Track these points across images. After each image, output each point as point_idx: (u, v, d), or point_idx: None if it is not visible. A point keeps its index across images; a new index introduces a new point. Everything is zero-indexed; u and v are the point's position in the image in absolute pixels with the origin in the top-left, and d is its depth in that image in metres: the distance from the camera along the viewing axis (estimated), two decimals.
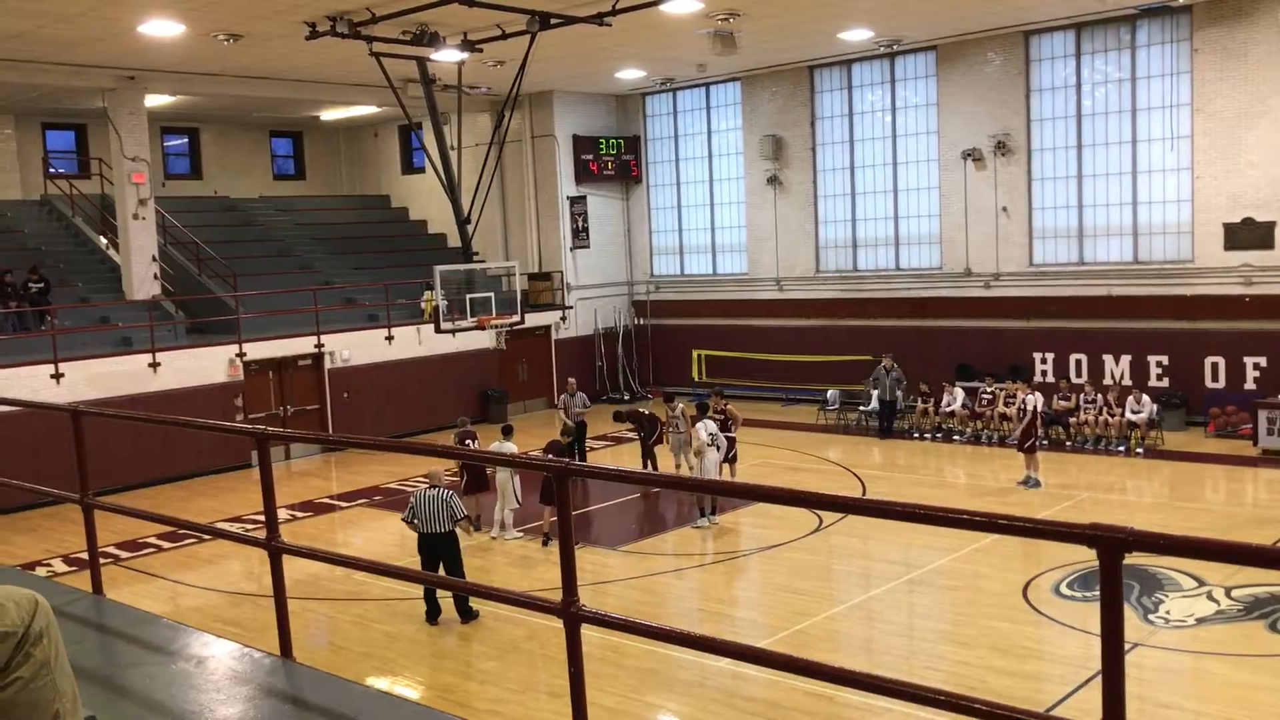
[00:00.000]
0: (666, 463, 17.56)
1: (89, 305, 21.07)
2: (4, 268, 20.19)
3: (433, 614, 11.82)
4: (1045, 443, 18.24)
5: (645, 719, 9.58)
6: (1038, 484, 16.41)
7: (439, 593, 11.97)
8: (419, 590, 12.10)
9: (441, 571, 11.67)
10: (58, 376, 18.30)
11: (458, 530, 11.93)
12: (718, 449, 15.50)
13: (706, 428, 15.53)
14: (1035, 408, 16.72)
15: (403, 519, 12.20)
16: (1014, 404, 18.29)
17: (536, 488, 14.64)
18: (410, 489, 17.54)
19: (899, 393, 21.12)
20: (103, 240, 23.73)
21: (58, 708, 3.08)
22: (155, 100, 22.71)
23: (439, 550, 11.80)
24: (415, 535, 12.02)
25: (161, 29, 16.89)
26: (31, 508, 17.06)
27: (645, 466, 17.57)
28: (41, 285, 20.26)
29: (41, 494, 7.92)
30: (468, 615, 11.82)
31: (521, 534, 15.02)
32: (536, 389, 26.23)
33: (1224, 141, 19.41)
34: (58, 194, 24.72)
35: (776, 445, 20.46)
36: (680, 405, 17.67)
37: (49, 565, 14.60)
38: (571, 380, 21.35)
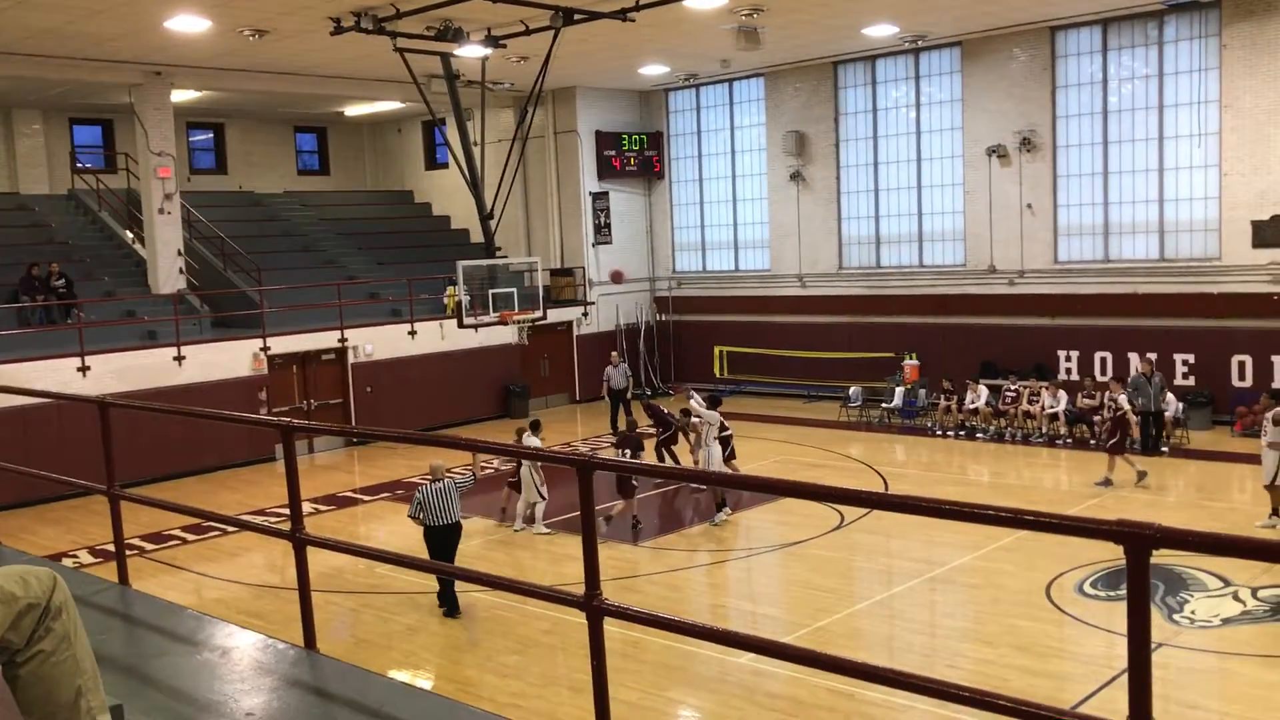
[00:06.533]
0: (685, 460, 17.55)
1: (115, 299, 21.22)
2: (31, 261, 20.37)
3: (452, 609, 11.86)
4: (1135, 442, 17.45)
5: (667, 714, 9.59)
6: (1109, 483, 16.18)
7: (457, 585, 12.03)
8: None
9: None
10: (84, 369, 18.47)
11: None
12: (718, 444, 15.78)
13: (711, 418, 15.82)
14: (1126, 408, 16.61)
15: (409, 515, 12.31)
16: (1096, 398, 18.55)
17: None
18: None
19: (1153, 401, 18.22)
20: (129, 234, 23.88)
21: (79, 684, 3.09)
22: (181, 95, 22.83)
23: (447, 542, 11.95)
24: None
25: (188, 25, 17.00)
26: (58, 499, 17.21)
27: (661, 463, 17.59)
28: (62, 281, 20.37)
29: (68, 485, 7.98)
30: (453, 608, 11.88)
31: (549, 529, 15.04)
32: (558, 384, 26.26)
33: (1252, 138, 19.22)
34: (85, 188, 24.91)
35: (798, 442, 20.42)
36: (695, 405, 16.49)
37: (75, 556, 14.73)
38: (614, 354, 23.05)
